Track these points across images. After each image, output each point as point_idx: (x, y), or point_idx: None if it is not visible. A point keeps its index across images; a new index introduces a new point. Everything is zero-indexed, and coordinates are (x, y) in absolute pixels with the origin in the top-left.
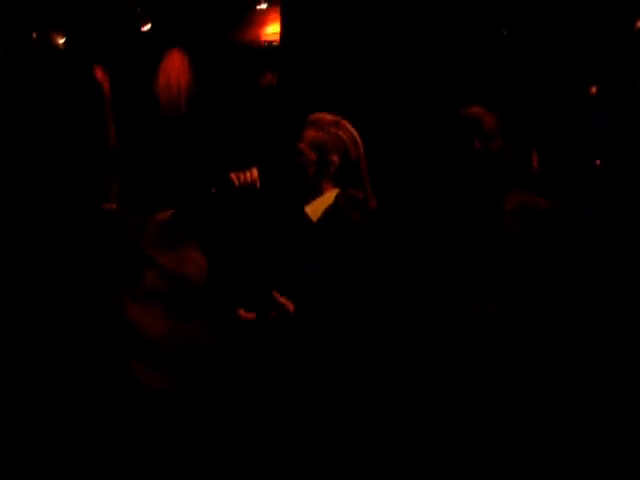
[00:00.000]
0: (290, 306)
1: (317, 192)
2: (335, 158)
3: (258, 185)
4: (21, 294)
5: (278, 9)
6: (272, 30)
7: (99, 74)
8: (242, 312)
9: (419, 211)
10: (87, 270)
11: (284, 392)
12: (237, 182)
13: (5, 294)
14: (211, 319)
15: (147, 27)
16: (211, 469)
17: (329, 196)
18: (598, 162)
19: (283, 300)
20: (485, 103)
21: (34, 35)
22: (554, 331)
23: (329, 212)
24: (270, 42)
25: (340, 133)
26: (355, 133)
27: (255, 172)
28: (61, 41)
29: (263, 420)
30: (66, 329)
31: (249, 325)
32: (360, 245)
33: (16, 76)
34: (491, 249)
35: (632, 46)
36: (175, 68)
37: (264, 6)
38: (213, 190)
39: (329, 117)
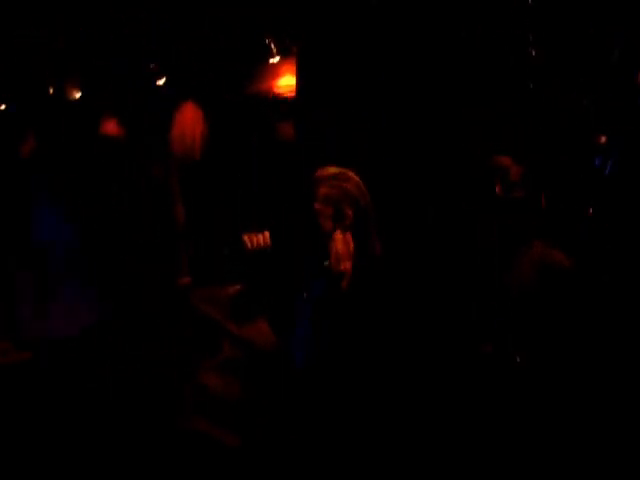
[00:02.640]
0: None
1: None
2: (349, 211)
3: (269, 248)
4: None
5: (290, 62)
6: (284, 82)
7: (114, 127)
8: None
9: (427, 256)
10: (169, 343)
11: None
12: (250, 245)
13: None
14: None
15: (162, 81)
16: None
17: None
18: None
19: None
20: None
21: (50, 89)
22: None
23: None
24: (280, 94)
25: (348, 185)
26: (360, 182)
27: (267, 235)
28: (77, 95)
29: None
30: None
31: None
32: (380, 293)
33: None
34: (502, 294)
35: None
36: (189, 119)
37: (276, 59)
38: (225, 250)
39: (334, 171)
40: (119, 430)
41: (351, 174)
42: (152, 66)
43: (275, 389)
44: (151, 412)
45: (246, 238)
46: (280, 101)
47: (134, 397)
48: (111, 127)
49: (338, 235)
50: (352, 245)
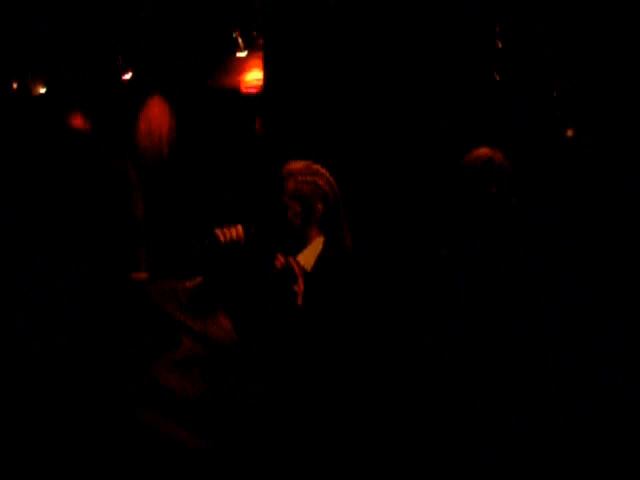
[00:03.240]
0: None
1: (304, 241)
2: (319, 205)
3: (242, 242)
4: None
5: (258, 56)
6: (252, 77)
7: (79, 121)
8: None
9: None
10: (122, 340)
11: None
12: (223, 238)
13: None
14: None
15: (128, 76)
16: None
17: (317, 244)
18: None
19: None
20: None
21: (14, 84)
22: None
23: (322, 260)
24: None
25: (316, 179)
26: (329, 176)
27: (240, 228)
28: (42, 90)
29: None
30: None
31: None
32: (353, 289)
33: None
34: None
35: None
36: (156, 115)
37: (244, 54)
38: (196, 246)
39: (301, 165)
40: (75, 432)
41: (319, 168)
42: (118, 60)
43: (238, 386)
44: (111, 413)
45: (218, 232)
46: (252, 96)
47: (93, 396)
48: (77, 121)
49: (281, 257)
50: (303, 261)
